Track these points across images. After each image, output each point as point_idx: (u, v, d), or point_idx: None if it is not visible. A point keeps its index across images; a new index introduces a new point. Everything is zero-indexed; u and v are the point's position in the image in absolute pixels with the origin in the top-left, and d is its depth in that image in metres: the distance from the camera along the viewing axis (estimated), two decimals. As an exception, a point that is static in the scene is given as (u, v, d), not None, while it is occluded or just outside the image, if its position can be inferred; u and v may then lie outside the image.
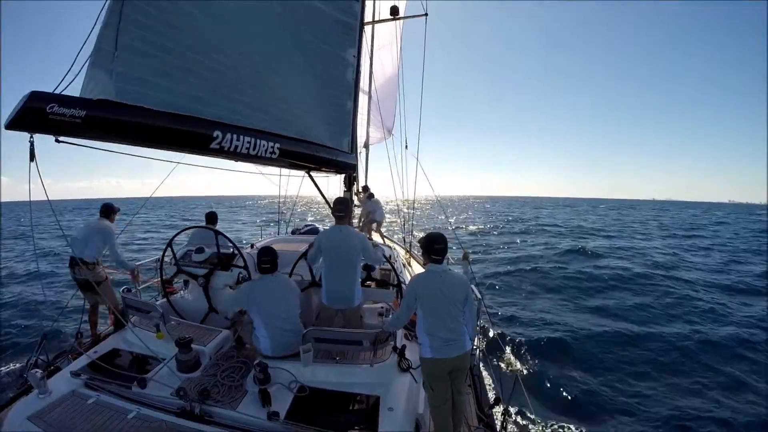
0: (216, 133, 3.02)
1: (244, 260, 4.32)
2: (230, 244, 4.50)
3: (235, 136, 3.16)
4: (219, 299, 4.33)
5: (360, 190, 9.19)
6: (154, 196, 6.13)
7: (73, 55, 2.39)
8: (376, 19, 9.15)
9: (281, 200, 9.39)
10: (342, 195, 6.67)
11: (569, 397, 6.71)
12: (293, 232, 7.63)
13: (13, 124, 2.08)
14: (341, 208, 3.93)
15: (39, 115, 2.11)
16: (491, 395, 4.28)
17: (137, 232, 29.12)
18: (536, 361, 7.94)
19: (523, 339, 8.79)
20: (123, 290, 4.28)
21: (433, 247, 2.98)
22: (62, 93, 2.30)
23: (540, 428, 5.74)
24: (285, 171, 5.29)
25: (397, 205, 10.50)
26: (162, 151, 3.05)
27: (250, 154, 3.36)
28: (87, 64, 2.48)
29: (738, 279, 15.74)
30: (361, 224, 8.69)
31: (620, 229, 38.31)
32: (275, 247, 4.67)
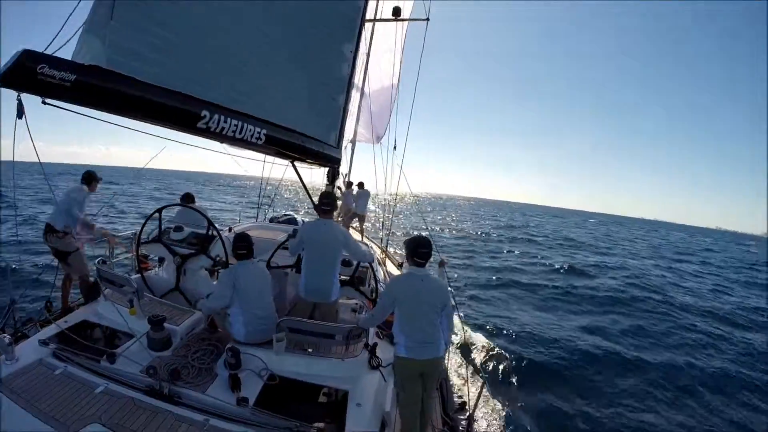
0: (204, 112, 3.03)
1: (224, 245, 4.31)
2: (210, 227, 4.48)
3: (222, 118, 3.17)
4: (191, 280, 4.31)
5: (344, 184, 9.16)
6: (146, 167, 6.02)
7: (68, 17, 2.39)
8: (378, 17, 9.16)
9: (263, 186, 9.33)
10: (325, 188, 6.70)
11: (537, 409, 6.81)
12: (271, 220, 7.62)
13: (2, 80, 2.07)
14: (327, 202, 3.95)
15: (28, 74, 2.10)
16: (457, 400, 4.35)
17: (121, 203, 28.22)
18: (507, 371, 8.01)
19: (496, 348, 8.88)
20: (98, 261, 4.22)
21: (418, 250, 3.05)
22: (55, 55, 2.28)
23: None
24: (270, 158, 5.25)
25: (379, 203, 10.50)
26: (149, 125, 3.03)
27: (236, 138, 3.36)
28: (81, 29, 2.48)
29: (731, 309, 15.43)
30: (341, 219, 8.67)
31: (610, 245, 38.83)
32: (252, 233, 4.67)
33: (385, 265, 7.64)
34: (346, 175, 9.57)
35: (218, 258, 4.31)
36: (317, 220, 3.98)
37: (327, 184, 6.46)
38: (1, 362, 2.68)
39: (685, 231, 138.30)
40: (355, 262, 4.63)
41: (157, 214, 4.46)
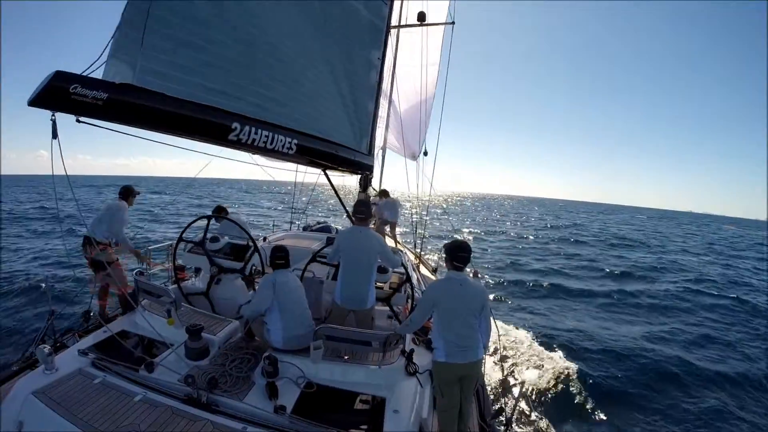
0: (234, 124, 3.05)
1: (261, 256, 4.35)
2: (248, 237, 4.54)
3: (253, 129, 3.19)
4: (225, 289, 4.37)
5: (377, 192, 9.15)
6: (187, 176, 6.19)
7: (100, 40, 2.47)
8: (404, 24, 9.14)
9: (296, 195, 9.46)
10: (357, 196, 6.70)
11: (578, 419, 6.51)
12: (305, 229, 7.68)
13: (37, 101, 2.12)
14: (363, 210, 3.95)
15: (62, 94, 2.15)
16: (494, 406, 4.23)
17: (168, 213, 29.14)
18: (546, 378, 7.68)
19: (537, 355, 8.55)
20: (136, 273, 4.34)
21: (457, 254, 3.06)
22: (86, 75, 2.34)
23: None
24: (302, 167, 5.31)
25: (412, 210, 10.42)
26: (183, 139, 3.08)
27: (267, 148, 3.38)
28: (107, 53, 2.55)
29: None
30: (375, 227, 8.67)
31: (662, 242, 37.18)
32: (286, 242, 4.69)
33: (419, 270, 7.57)
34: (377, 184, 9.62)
35: (254, 268, 4.35)
36: (353, 227, 3.98)
37: (360, 192, 6.46)
38: (40, 372, 2.76)
39: (737, 224, 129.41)
40: (390, 269, 4.58)
41: (202, 222, 4.56)
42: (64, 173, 2.38)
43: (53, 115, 2.23)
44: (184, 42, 2.82)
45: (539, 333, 9.90)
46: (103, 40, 2.60)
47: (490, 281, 15.14)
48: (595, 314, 12.28)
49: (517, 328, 10.17)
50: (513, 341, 9.27)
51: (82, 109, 2.26)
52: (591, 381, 7.64)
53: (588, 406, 6.86)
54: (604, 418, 6.58)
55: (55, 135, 2.24)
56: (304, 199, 10.20)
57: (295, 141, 3.64)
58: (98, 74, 2.51)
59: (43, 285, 9.82)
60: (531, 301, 13.35)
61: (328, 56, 4.10)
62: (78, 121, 2.38)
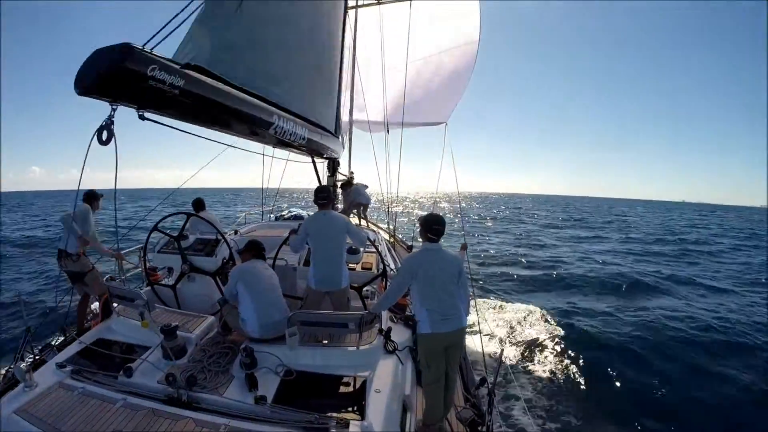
0: (273, 118, 3.11)
1: (230, 248, 4.30)
2: (217, 231, 4.47)
3: (284, 122, 3.28)
4: (201, 285, 4.32)
5: (345, 180, 9.14)
6: (183, 186, 6.03)
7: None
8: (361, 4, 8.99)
9: (265, 186, 9.31)
10: (325, 181, 6.69)
11: (559, 381, 6.80)
12: (277, 218, 7.60)
13: (96, 87, 1.58)
14: (323, 196, 4.02)
15: (136, 78, 1.61)
16: (477, 376, 4.34)
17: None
18: (524, 345, 8.01)
19: (512, 322, 8.91)
20: (107, 279, 4.15)
21: (432, 227, 3.13)
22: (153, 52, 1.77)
23: (526, 408, 5.84)
24: (282, 153, 5.34)
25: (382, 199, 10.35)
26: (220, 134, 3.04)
27: (287, 141, 3.51)
28: (186, 23, 2.11)
29: None
30: (345, 209, 8.70)
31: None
32: (259, 233, 4.64)
33: (395, 249, 7.65)
34: (351, 172, 9.57)
35: (224, 260, 4.31)
36: (317, 212, 4.02)
37: (328, 176, 6.45)
38: (20, 390, 2.69)
39: (733, 211, 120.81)
40: (361, 250, 4.64)
41: (166, 223, 4.46)
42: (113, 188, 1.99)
43: (114, 108, 1.66)
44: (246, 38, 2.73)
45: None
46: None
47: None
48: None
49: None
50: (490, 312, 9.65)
51: (157, 100, 1.76)
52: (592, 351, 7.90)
53: (576, 373, 7.08)
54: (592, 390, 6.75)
55: (108, 139, 1.64)
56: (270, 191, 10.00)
57: (305, 133, 3.80)
58: (163, 51, 1.89)
59: (18, 300, 9.44)
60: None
61: (300, 33, 4.16)
62: (142, 118, 1.83)
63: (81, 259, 4.52)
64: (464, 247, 4.51)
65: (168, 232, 4.44)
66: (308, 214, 7.37)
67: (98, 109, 1.73)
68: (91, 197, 4.82)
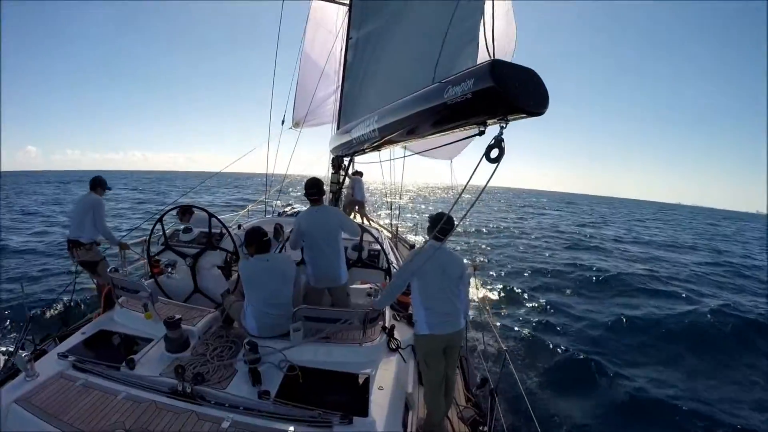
0: None
1: (233, 241, 4.29)
2: (220, 225, 4.46)
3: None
4: (206, 279, 4.30)
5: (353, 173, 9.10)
6: (182, 171, 6.00)
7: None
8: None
9: (269, 180, 9.26)
10: (330, 176, 6.67)
11: (561, 381, 6.78)
12: (279, 215, 7.59)
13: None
14: (314, 191, 3.90)
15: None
16: (478, 376, 4.33)
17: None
18: (526, 345, 7.94)
19: (514, 322, 8.83)
20: (110, 270, 4.16)
21: (441, 226, 3.05)
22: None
23: (530, 407, 5.80)
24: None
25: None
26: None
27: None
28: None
29: None
30: (343, 206, 8.69)
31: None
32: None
33: (397, 248, 7.64)
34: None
35: (228, 255, 4.29)
36: (309, 208, 3.94)
37: (333, 173, 6.41)
38: (21, 380, 2.68)
39: (731, 217, 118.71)
40: (365, 248, 4.63)
41: (167, 216, 4.44)
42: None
43: (503, 127, 1.67)
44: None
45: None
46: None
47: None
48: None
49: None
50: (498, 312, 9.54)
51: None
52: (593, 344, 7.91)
53: (577, 371, 7.05)
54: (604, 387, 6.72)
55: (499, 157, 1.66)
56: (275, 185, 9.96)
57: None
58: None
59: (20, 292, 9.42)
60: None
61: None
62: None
63: (93, 248, 4.53)
64: (476, 267, 4.49)
65: (167, 230, 4.43)
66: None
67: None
68: (98, 185, 4.82)
